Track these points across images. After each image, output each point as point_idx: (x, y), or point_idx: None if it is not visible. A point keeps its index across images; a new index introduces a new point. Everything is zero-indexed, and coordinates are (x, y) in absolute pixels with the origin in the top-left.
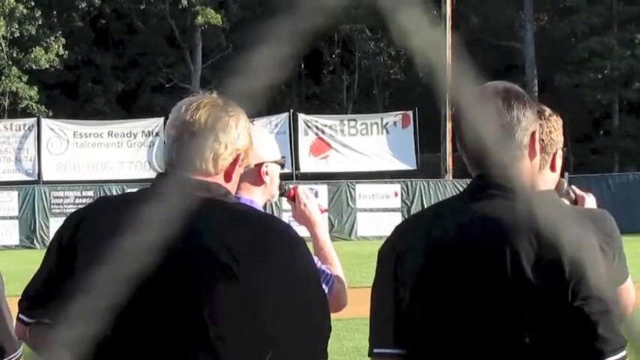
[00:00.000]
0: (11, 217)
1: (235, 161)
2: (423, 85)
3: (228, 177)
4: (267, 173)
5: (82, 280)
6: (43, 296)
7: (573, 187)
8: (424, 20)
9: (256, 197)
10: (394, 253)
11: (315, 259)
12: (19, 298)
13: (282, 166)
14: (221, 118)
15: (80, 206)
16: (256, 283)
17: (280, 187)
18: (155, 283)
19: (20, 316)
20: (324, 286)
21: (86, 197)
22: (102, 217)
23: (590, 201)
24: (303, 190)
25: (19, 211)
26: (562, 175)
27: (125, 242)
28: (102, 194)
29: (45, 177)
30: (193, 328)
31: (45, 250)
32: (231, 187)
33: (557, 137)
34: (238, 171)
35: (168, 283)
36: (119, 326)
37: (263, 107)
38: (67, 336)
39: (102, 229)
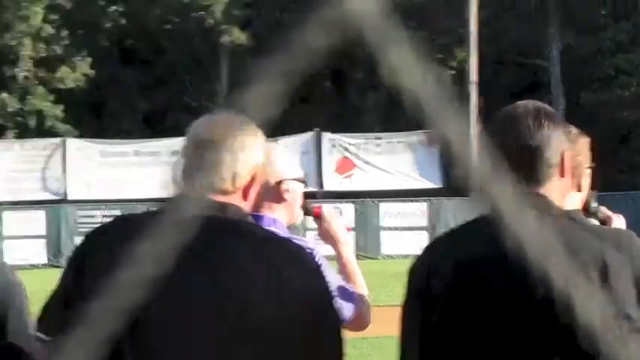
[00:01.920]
0: (38, 237)
1: (253, 179)
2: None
3: (245, 196)
4: (287, 190)
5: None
6: (57, 315)
7: (603, 207)
8: (412, 57)
9: (279, 215)
10: (424, 271)
11: (340, 277)
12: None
13: (305, 183)
14: (238, 136)
15: None
16: (267, 310)
17: (305, 206)
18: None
19: (38, 335)
20: (348, 304)
21: (112, 216)
22: (117, 237)
23: (619, 222)
24: (329, 209)
25: (46, 230)
26: (591, 192)
27: (122, 273)
28: (128, 213)
29: (71, 196)
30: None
31: None
32: (248, 205)
33: (584, 158)
34: (255, 189)
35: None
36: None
37: (287, 126)
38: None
39: (115, 249)
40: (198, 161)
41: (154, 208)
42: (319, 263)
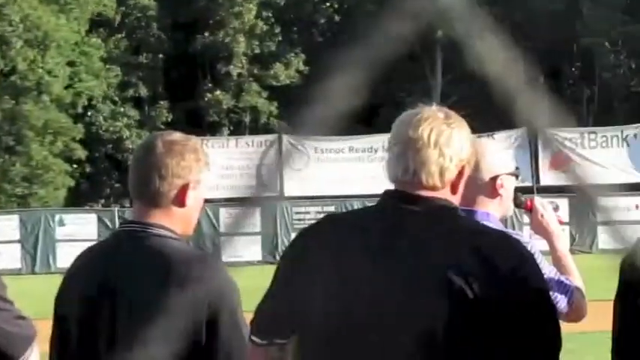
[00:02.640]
0: (254, 234)
1: (461, 173)
2: None
3: (454, 189)
4: (502, 186)
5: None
6: (276, 315)
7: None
8: (497, 46)
9: (492, 210)
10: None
11: (554, 269)
12: (251, 318)
13: (517, 177)
14: (444, 131)
15: None
16: (486, 303)
17: (516, 199)
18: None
19: (252, 338)
20: (563, 296)
21: (327, 212)
22: (334, 237)
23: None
24: (541, 201)
25: (261, 227)
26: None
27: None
28: (343, 209)
29: (287, 193)
30: (422, 346)
31: None
32: (457, 198)
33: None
34: (463, 182)
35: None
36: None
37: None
38: None
39: (336, 249)
40: (405, 160)
41: (361, 207)
42: (533, 252)
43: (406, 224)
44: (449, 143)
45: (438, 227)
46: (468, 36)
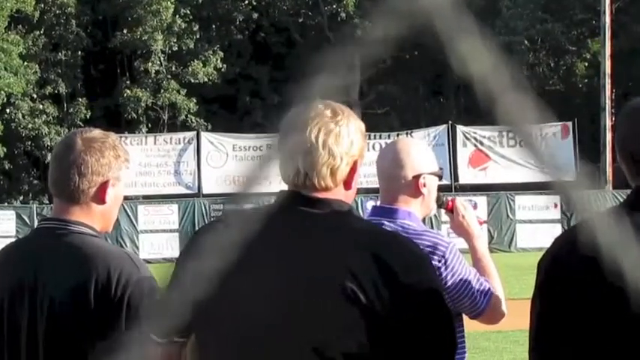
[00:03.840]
0: (172, 231)
1: (353, 169)
2: (581, 95)
3: (347, 185)
4: (424, 185)
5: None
6: (176, 314)
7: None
8: (482, 47)
9: (414, 209)
10: (553, 264)
11: (473, 270)
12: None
13: (440, 177)
14: (332, 130)
15: None
16: (379, 305)
17: (438, 199)
18: (278, 305)
19: (152, 336)
20: (481, 298)
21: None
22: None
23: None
24: (462, 201)
25: (180, 224)
26: None
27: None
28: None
29: (205, 190)
30: (317, 351)
31: None
32: (352, 193)
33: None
34: (356, 176)
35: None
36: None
37: (421, 119)
38: None
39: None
40: (295, 162)
41: (259, 206)
42: (453, 251)
43: (302, 226)
44: (338, 142)
45: (332, 229)
46: (451, 36)
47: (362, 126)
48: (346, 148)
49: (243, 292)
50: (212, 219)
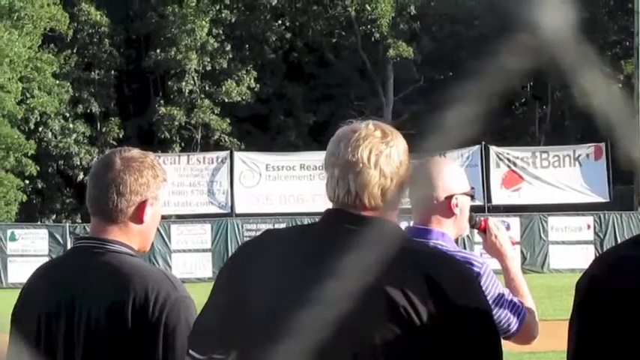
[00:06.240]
0: (204, 250)
1: (400, 189)
2: None
3: (394, 205)
4: (457, 205)
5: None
6: (218, 331)
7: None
8: (602, 79)
9: (447, 230)
10: (591, 286)
11: (506, 290)
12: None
13: (472, 197)
14: (383, 151)
15: None
16: (429, 324)
17: (471, 219)
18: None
19: (191, 352)
20: (514, 317)
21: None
22: (271, 251)
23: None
24: (494, 222)
25: (212, 244)
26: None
27: (347, 284)
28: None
29: (238, 210)
30: None
31: None
32: (397, 212)
33: None
34: (402, 196)
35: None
36: None
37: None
38: None
39: (277, 264)
40: (346, 182)
41: (303, 224)
42: (486, 271)
43: (349, 245)
44: (389, 162)
45: (381, 248)
46: (574, 68)
47: (407, 147)
48: (396, 168)
49: (288, 308)
50: (245, 239)
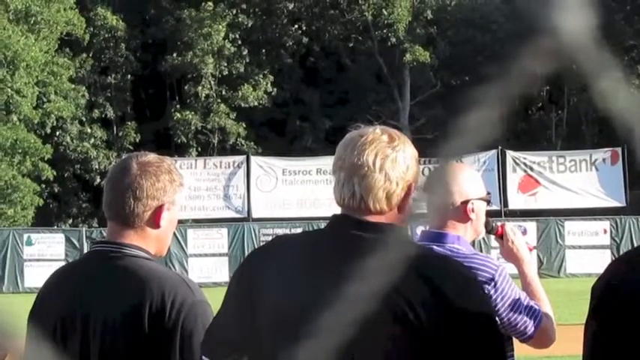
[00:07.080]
0: (221, 254)
1: (407, 193)
2: None
3: (401, 209)
4: (472, 210)
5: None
6: (230, 337)
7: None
8: (621, 82)
9: (463, 234)
10: (607, 290)
11: (524, 294)
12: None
13: (488, 202)
14: (389, 155)
15: None
16: (430, 327)
17: (487, 224)
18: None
19: (204, 358)
20: (531, 321)
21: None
22: (281, 257)
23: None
24: (511, 227)
25: (229, 248)
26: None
27: (351, 288)
28: (288, 233)
29: (254, 214)
30: None
31: None
32: (405, 216)
33: None
34: (410, 200)
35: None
36: None
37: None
38: None
39: (285, 268)
40: (351, 186)
41: (314, 229)
42: (503, 275)
43: (354, 249)
44: (394, 167)
45: (384, 252)
46: (593, 72)
47: (416, 153)
48: (402, 172)
49: (299, 313)
50: (262, 243)
